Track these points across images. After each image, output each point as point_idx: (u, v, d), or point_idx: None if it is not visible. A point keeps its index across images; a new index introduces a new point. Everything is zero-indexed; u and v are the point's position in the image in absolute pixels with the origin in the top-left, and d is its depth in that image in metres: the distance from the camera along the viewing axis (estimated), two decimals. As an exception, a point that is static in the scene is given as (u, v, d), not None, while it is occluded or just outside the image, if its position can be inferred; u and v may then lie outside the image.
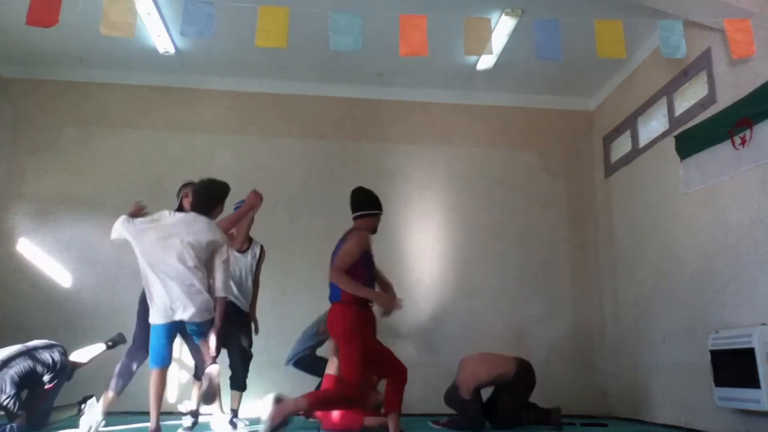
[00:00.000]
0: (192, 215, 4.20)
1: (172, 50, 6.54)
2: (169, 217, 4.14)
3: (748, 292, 4.61)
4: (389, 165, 7.32)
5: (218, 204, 4.38)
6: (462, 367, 5.36)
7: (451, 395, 5.35)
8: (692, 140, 5.31)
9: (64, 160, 6.95)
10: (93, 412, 4.36)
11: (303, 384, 5.82)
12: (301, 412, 4.17)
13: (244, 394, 5.01)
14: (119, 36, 4.09)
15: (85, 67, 7.03)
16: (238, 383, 4.92)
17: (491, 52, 5.83)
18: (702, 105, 5.33)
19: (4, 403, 4.40)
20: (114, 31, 4.03)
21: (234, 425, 4.83)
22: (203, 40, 5.22)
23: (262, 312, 5.32)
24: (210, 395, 4.05)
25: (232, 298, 4.67)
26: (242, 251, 5.07)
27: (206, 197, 4.29)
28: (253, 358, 5.04)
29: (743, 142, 4.66)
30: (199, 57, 6.79)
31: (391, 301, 4.19)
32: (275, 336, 5.95)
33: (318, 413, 4.82)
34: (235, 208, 4.96)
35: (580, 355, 7.04)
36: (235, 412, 4.96)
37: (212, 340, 4.09)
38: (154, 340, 3.99)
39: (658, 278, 5.96)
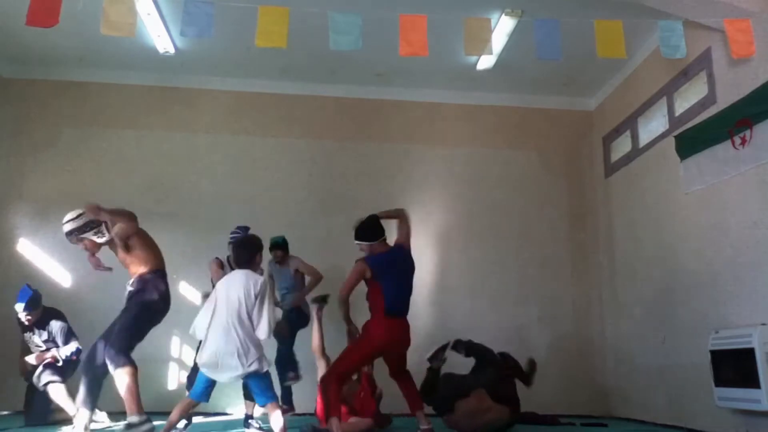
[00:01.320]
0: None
1: (172, 50, 6.54)
2: None
3: (748, 292, 4.61)
4: (389, 165, 7.32)
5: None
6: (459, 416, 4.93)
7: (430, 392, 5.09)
8: (692, 140, 5.30)
9: (64, 160, 6.95)
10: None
11: (304, 383, 5.82)
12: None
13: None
14: (119, 36, 4.10)
15: (85, 67, 7.03)
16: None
17: (491, 52, 5.83)
18: (702, 105, 5.33)
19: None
20: (114, 31, 4.02)
21: (249, 426, 4.98)
22: (203, 40, 5.21)
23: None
24: None
25: None
26: None
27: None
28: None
29: (743, 142, 4.66)
30: (199, 57, 6.78)
31: None
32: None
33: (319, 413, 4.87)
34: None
35: (580, 355, 7.04)
36: (249, 416, 5.11)
37: None
38: None
39: (658, 278, 5.96)
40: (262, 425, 5.01)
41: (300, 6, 4.33)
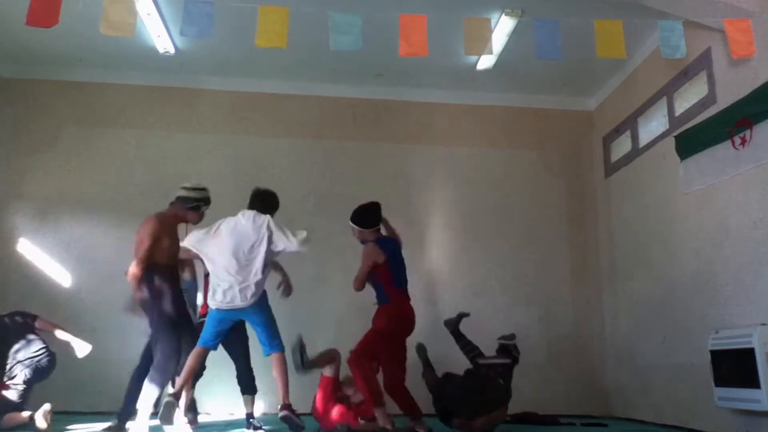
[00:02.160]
0: None
1: (172, 50, 6.54)
2: None
3: (748, 292, 4.61)
4: (389, 165, 7.32)
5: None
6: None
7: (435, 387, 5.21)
8: (692, 140, 5.31)
9: (64, 160, 6.95)
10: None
11: (303, 382, 5.81)
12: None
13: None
14: (119, 36, 4.10)
15: (85, 67, 7.03)
16: (249, 387, 4.98)
17: (491, 52, 5.83)
18: (702, 105, 5.33)
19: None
20: (114, 31, 4.03)
21: (251, 426, 4.93)
22: (203, 40, 5.21)
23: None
24: None
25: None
26: None
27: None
28: (254, 359, 5.02)
29: (743, 142, 4.66)
30: (199, 57, 6.78)
31: None
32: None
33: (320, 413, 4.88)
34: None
35: (580, 355, 7.04)
36: (250, 415, 5.04)
37: None
38: None
39: (658, 278, 5.95)
40: (262, 425, 5.00)
41: (300, 6, 4.33)
